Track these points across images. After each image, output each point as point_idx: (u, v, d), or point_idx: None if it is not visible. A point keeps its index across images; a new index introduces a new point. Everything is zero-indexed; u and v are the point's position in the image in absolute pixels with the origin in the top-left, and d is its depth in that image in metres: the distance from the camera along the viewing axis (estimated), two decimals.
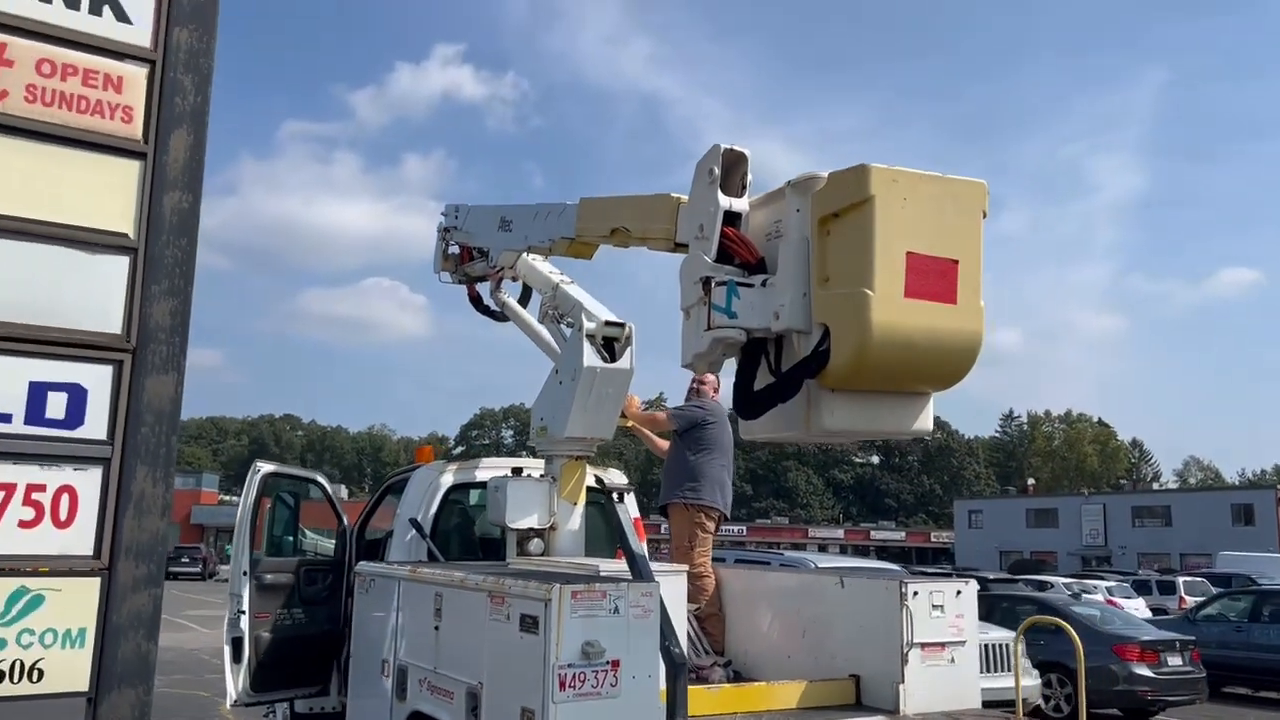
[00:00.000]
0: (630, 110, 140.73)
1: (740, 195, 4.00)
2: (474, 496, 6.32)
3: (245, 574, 5.61)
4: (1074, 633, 6.25)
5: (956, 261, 3.41)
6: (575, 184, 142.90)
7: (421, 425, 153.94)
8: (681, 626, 4.71)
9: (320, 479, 6.47)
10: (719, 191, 3.93)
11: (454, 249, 6.66)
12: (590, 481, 5.69)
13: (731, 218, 3.94)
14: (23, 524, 2.94)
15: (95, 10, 3.19)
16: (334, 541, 6.27)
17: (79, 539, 3.00)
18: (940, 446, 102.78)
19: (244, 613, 5.57)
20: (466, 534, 6.33)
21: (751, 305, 3.70)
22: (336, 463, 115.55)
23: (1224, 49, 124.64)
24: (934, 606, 4.54)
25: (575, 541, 5.41)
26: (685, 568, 5.24)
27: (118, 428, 3.06)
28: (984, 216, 3.47)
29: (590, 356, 5.18)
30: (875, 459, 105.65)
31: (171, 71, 3.26)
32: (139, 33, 3.24)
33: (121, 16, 3.23)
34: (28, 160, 3.01)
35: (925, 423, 3.80)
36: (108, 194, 3.13)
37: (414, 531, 5.65)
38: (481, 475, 6.12)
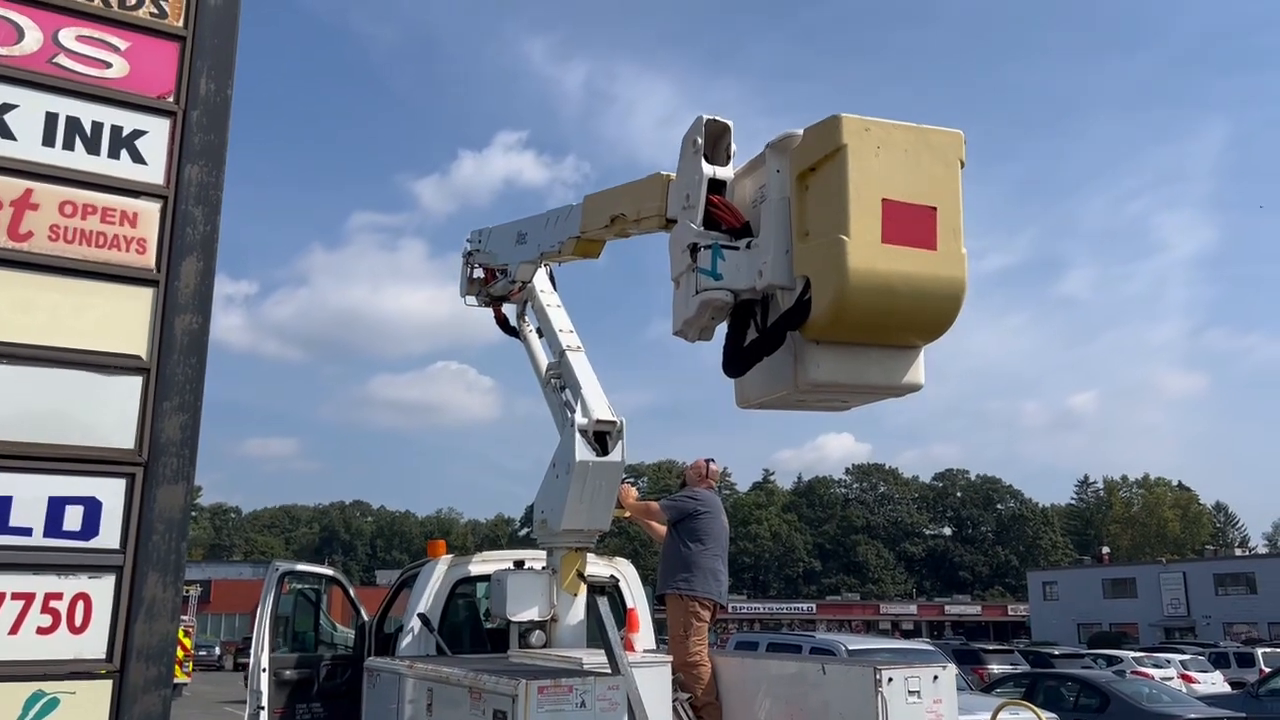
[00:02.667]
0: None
1: (725, 165, 4.05)
2: (481, 589, 6.49)
3: (264, 670, 5.80)
4: (1038, 713, 6.16)
5: (935, 208, 3.38)
6: (636, 261, 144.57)
7: (488, 507, 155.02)
8: (664, 717, 4.79)
9: (338, 575, 6.69)
10: (703, 160, 3.99)
11: (478, 273, 7.00)
12: (596, 572, 5.84)
13: (717, 186, 3.98)
14: (40, 630, 3.13)
15: (114, 154, 3.50)
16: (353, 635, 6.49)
17: (93, 643, 3.18)
18: (1014, 516, 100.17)
19: (263, 709, 5.76)
20: (475, 627, 6.50)
21: (737, 267, 3.73)
22: (405, 548, 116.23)
23: None
24: (910, 692, 4.57)
25: (576, 633, 5.54)
26: (670, 658, 5.36)
27: (130, 537, 3.25)
28: (961, 166, 3.46)
29: (583, 451, 5.41)
30: (947, 530, 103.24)
31: (183, 204, 3.55)
32: (153, 171, 3.53)
33: (137, 158, 3.54)
34: (51, 294, 3.29)
35: (916, 376, 3.72)
36: (122, 320, 3.37)
37: (422, 625, 5.83)
38: (487, 569, 6.29)
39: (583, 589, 5.66)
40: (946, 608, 79.06)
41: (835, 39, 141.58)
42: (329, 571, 6.73)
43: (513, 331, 6.97)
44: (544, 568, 5.74)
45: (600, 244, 5.45)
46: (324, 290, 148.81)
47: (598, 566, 6.17)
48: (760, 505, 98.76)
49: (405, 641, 6.07)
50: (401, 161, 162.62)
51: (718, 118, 4.03)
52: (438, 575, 6.24)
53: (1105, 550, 73.53)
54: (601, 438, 5.51)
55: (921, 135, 3.43)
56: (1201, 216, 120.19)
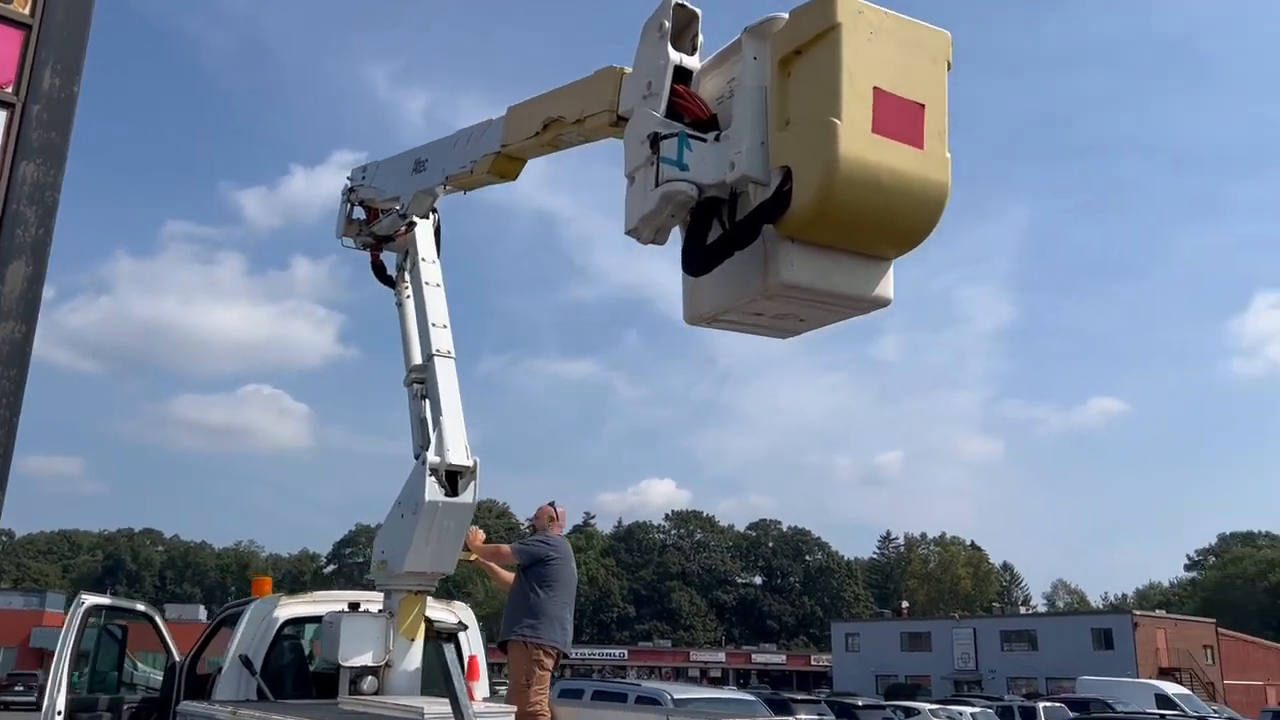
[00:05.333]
0: (525, 225, 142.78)
1: (691, 55, 3.73)
2: (310, 632, 6.17)
3: (59, 714, 5.29)
4: None
5: (923, 105, 3.19)
6: (469, 291, 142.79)
7: (293, 541, 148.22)
8: None
9: (150, 611, 6.20)
10: (669, 46, 3.65)
11: (360, 212, 6.46)
12: (437, 617, 5.62)
13: (682, 75, 3.65)
14: None
15: None
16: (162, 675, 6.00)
17: None
18: (821, 567, 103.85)
19: None
20: (300, 671, 6.15)
21: (703, 159, 3.38)
22: (199, 581, 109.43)
23: (1079, 191, 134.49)
24: None
25: (411, 680, 5.30)
26: (512, 708, 5.19)
27: None
28: (948, 68, 3.29)
29: (432, 491, 5.19)
30: (758, 579, 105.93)
31: (14, 204, 3.23)
32: None
33: None
34: None
35: (886, 290, 3.47)
36: None
37: (243, 667, 5.47)
38: (318, 609, 5.97)
39: (420, 634, 5.42)
40: (753, 656, 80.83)
41: None
42: (141, 606, 6.21)
43: (389, 281, 6.51)
44: (381, 610, 5.47)
45: (521, 163, 4.94)
46: (128, 300, 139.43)
47: (436, 611, 5.94)
48: (579, 548, 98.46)
49: (222, 684, 5.68)
50: (226, 170, 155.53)
51: (686, 3, 3.69)
52: (263, 615, 5.88)
53: (904, 604, 77.07)
54: (452, 477, 5.31)
55: (913, 29, 3.22)
56: (1001, 294, 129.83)
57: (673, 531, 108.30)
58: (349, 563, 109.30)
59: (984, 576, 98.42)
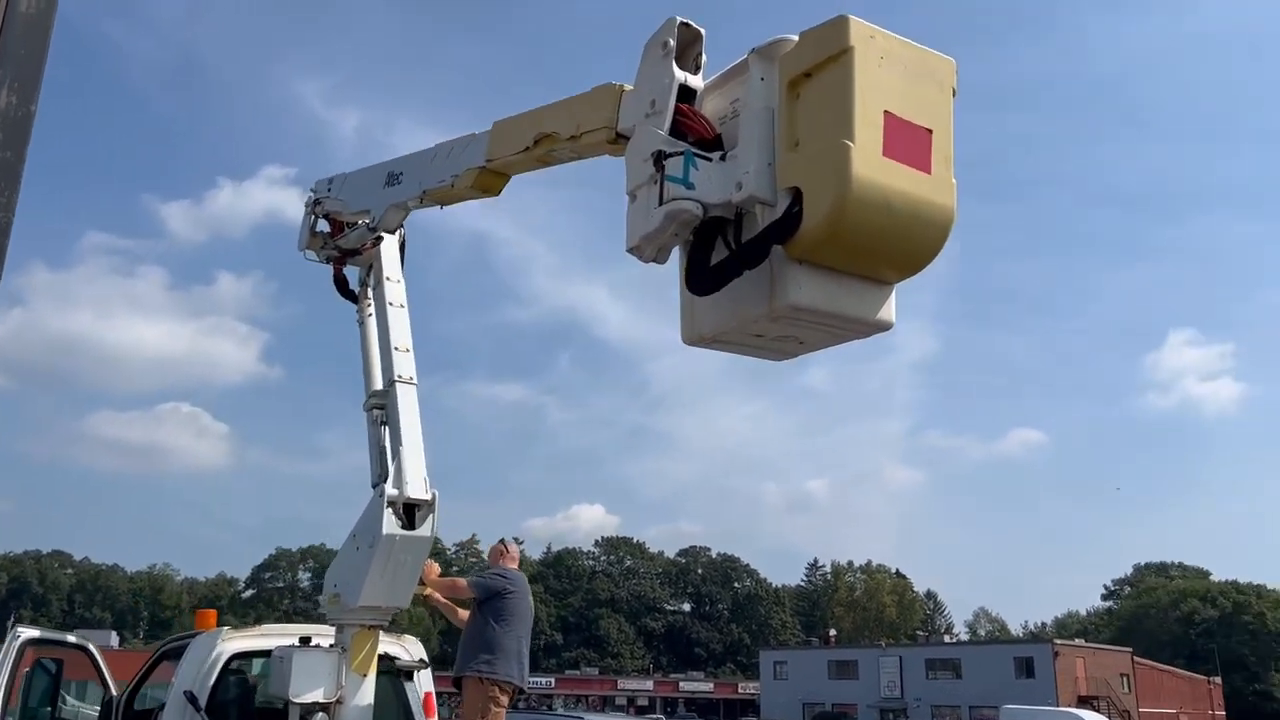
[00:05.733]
0: (459, 246, 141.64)
1: (695, 75, 3.69)
2: (258, 666, 5.96)
3: None
4: None
5: (931, 131, 3.21)
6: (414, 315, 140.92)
7: (209, 565, 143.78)
8: None
9: (86, 643, 5.91)
10: (674, 64, 3.62)
11: (323, 226, 6.26)
12: (387, 651, 5.47)
13: (685, 94, 3.62)
14: None
15: None
16: (98, 710, 5.71)
17: None
18: (750, 595, 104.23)
19: None
20: (247, 707, 5.93)
21: (709, 178, 3.36)
22: (109, 605, 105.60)
23: (1005, 229, 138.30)
24: None
25: (363, 717, 5.13)
26: None
27: None
28: (954, 95, 3.32)
29: (390, 524, 5.08)
30: (687, 606, 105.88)
31: None
32: None
33: None
34: None
35: (889, 314, 3.49)
36: None
37: (187, 704, 5.25)
38: (267, 643, 5.76)
39: (373, 670, 5.26)
40: (681, 684, 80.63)
41: None
42: (73, 639, 5.91)
43: (351, 296, 6.34)
44: (332, 645, 5.29)
45: (505, 178, 4.85)
46: (43, 313, 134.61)
47: (387, 645, 5.77)
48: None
49: None
50: (150, 182, 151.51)
51: (690, 22, 3.68)
52: (208, 649, 5.64)
53: (832, 632, 77.72)
54: (410, 509, 5.21)
55: (921, 55, 3.25)
56: (926, 326, 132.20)
57: (602, 558, 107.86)
58: (268, 588, 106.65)
59: (908, 604, 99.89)
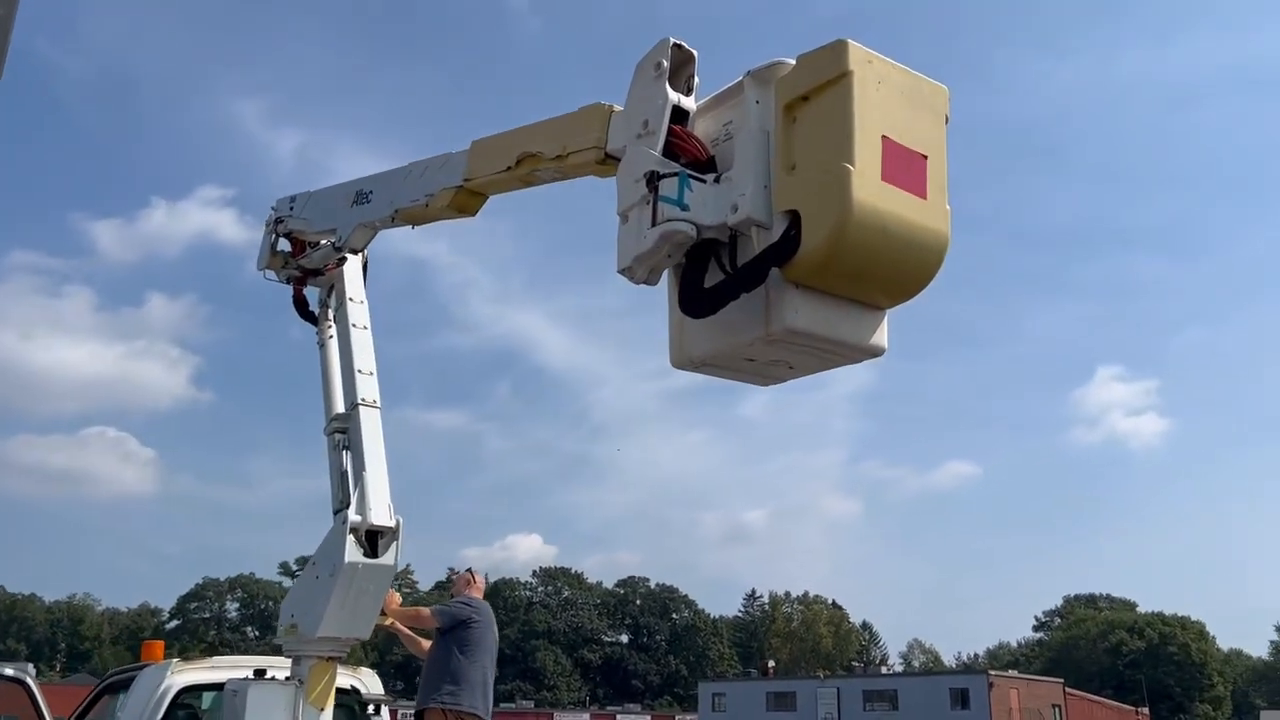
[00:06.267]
0: (397, 271, 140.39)
1: (688, 96, 3.67)
2: (208, 700, 5.75)
3: None
4: None
5: (926, 157, 3.23)
6: None
7: (133, 595, 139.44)
8: None
9: (29, 680, 5.62)
10: (667, 85, 3.59)
11: (284, 245, 6.10)
12: (343, 683, 5.30)
13: (678, 116, 3.59)
14: None
15: None
16: None
17: None
18: (688, 625, 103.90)
19: None
20: None
21: (704, 200, 3.34)
22: (24, 636, 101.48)
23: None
24: None
25: None
26: None
27: None
28: (946, 121, 3.35)
29: (352, 552, 4.94)
30: (624, 638, 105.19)
31: None
32: None
33: None
34: None
35: (882, 339, 3.50)
36: None
37: None
38: (218, 676, 5.56)
39: (330, 703, 5.08)
40: (618, 717, 79.94)
41: None
42: (10, 671, 5.60)
43: (311, 318, 6.18)
44: (288, 678, 5.09)
45: (482, 198, 4.77)
46: None
47: (344, 678, 5.56)
48: None
49: None
50: (80, 200, 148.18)
51: (683, 44, 3.65)
52: (156, 682, 5.43)
53: (770, 663, 77.76)
54: (372, 536, 5.06)
55: (916, 82, 3.28)
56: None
57: (540, 588, 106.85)
58: (193, 618, 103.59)
59: (845, 635, 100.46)
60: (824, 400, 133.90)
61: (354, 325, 5.69)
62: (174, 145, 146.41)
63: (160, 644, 5.97)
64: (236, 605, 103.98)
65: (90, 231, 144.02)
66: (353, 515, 5.00)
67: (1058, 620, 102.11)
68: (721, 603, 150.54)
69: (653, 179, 3.43)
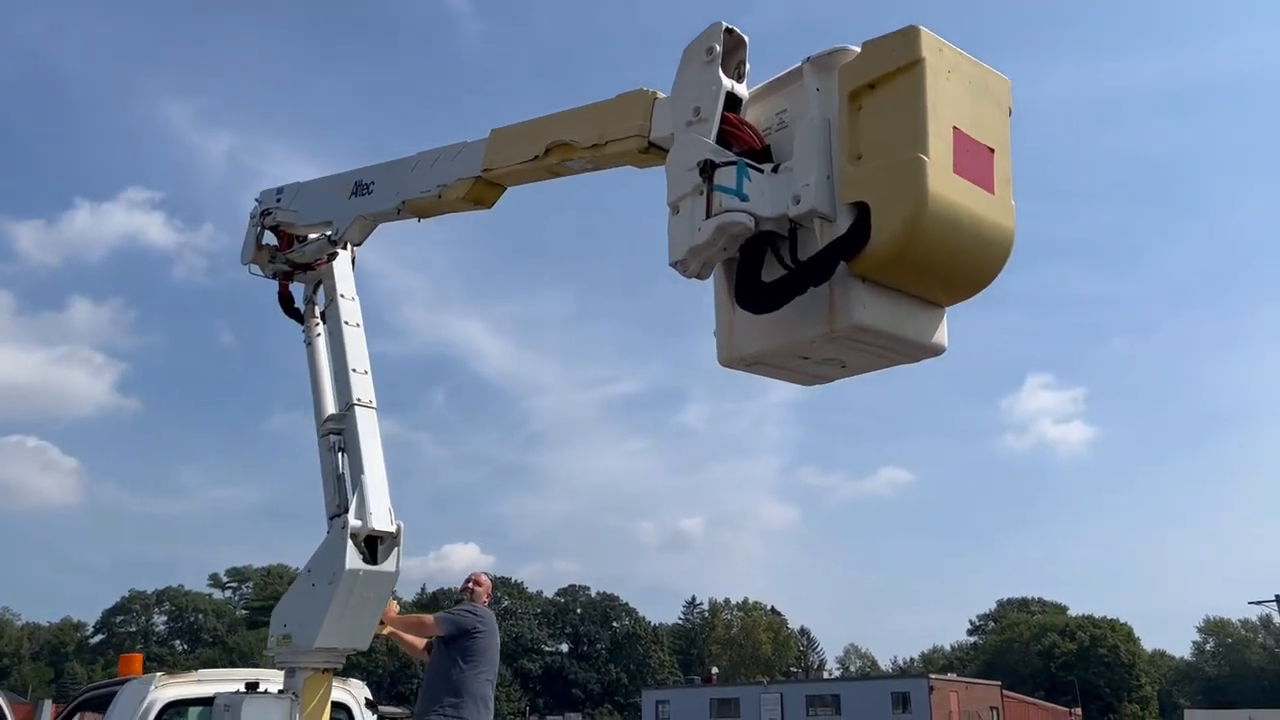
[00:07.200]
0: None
1: (740, 82, 3.54)
2: (194, 716, 5.51)
3: None
4: None
5: (993, 150, 3.17)
6: (260, 341, 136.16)
7: (54, 609, 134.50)
8: None
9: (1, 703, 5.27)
10: (720, 70, 3.45)
11: (273, 238, 5.83)
12: (335, 696, 5.10)
13: (731, 103, 3.45)
14: None
15: None
16: None
17: None
18: (628, 634, 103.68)
19: None
20: None
21: (762, 191, 3.21)
22: None
23: None
24: None
25: None
26: None
27: None
28: (1009, 114, 3.29)
29: (353, 558, 4.75)
30: (565, 647, 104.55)
31: None
32: None
33: None
34: None
35: (943, 338, 3.42)
36: None
37: None
38: (204, 690, 5.34)
39: (325, 717, 4.86)
40: None
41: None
42: None
43: (296, 315, 5.92)
44: (282, 691, 4.83)
45: (500, 190, 4.58)
46: None
47: (335, 690, 5.30)
48: None
49: None
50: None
51: (735, 28, 3.51)
52: (139, 697, 5.18)
53: (714, 670, 77.88)
54: (371, 541, 4.86)
55: (982, 72, 3.20)
56: None
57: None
58: (119, 632, 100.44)
59: (784, 641, 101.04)
60: (761, 408, 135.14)
61: (346, 323, 5.47)
62: (99, 146, 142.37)
63: (139, 657, 5.68)
64: (165, 619, 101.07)
65: (9, 233, 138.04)
66: (352, 520, 4.80)
67: (992, 624, 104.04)
68: (661, 610, 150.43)
69: (707, 168, 3.29)
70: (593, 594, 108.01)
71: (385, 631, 5.56)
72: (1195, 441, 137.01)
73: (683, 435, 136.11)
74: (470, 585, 5.92)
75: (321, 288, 5.73)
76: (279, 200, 5.74)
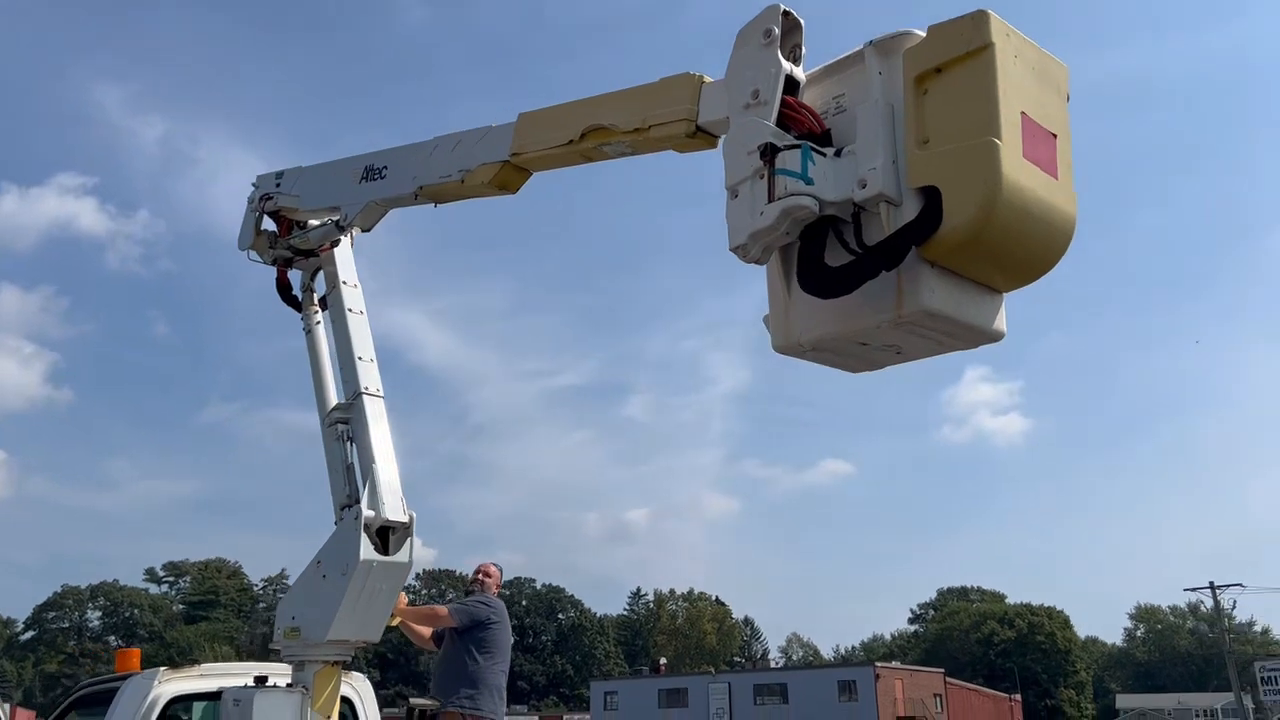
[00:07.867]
0: (261, 266, 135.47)
1: (797, 65, 3.48)
2: (199, 711, 5.35)
3: None
4: None
5: (1056, 136, 3.18)
6: (193, 332, 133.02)
7: None
8: None
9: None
10: (779, 53, 3.38)
11: (269, 224, 5.65)
12: (343, 692, 4.99)
13: (790, 86, 3.40)
14: None
15: None
16: None
17: None
18: (574, 625, 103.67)
19: None
20: None
21: (825, 175, 3.17)
22: None
23: None
24: None
25: None
26: None
27: None
28: (1068, 100, 3.31)
29: (367, 550, 4.66)
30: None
31: None
32: None
33: None
34: None
35: (1002, 324, 3.43)
36: None
37: None
38: (209, 685, 5.23)
39: (336, 711, 4.76)
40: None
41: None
42: None
43: (294, 303, 5.76)
44: (291, 685, 4.71)
45: (527, 175, 4.46)
46: None
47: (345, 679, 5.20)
48: None
49: None
50: None
51: (792, 10, 3.46)
52: (142, 693, 5.01)
53: (662, 661, 78.16)
54: (384, 532, 4.76)
55: (1043, 57, 3.20)
56: (740, 360, 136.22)
57: (424, 592, 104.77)
58: (51, 628, 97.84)
59: (728, 631, 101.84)
60: (704, 400, 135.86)
61: (349, 310, 5.33)
62: (27, 130, 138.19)
63: (137, 652, 5.50)
64: (99, 614, 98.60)
65: None
66: (365, 511, 4.70)
67: (932, 612, 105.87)
68: (607, 602, 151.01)
69: (769, 151, 3.25)
70: (538, 586, 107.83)
71: (395, 622, 5.47)
72: (1129, 433, 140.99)
73: (625, 427, 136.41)
74: (480, 576, 5.88)
75: (321, 274, 5.57)
76: (278, 185, 5.56)
